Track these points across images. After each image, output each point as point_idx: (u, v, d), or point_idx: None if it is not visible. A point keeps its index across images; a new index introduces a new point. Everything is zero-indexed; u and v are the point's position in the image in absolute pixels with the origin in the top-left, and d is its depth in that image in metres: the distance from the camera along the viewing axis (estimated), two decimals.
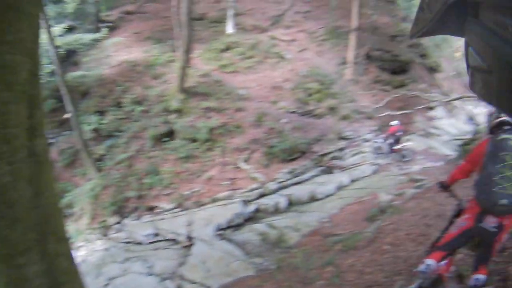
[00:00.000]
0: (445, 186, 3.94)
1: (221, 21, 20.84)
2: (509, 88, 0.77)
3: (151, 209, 11.51)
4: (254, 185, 11.99)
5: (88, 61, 16.73)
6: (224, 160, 12.77)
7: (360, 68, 18.36)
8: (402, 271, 6.11)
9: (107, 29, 19.20)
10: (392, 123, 14.96)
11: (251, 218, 10.70)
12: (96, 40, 18.09)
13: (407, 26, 23.37)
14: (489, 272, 3.50)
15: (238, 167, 12.66)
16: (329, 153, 13.70)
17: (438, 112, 19.33)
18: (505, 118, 3.39)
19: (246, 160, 12.84)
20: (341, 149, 14.25)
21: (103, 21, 20.23)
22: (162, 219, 10.81)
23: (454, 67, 22.82)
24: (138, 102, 14.36)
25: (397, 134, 14.47)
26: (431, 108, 19.16)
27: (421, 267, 3.42)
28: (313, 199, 11.50)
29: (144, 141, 13.30)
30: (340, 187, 12.18)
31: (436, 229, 6.67)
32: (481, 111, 20.03)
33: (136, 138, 13.48)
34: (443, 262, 3.51)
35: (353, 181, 12.71)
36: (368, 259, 6.65)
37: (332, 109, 15.98)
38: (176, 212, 11.17)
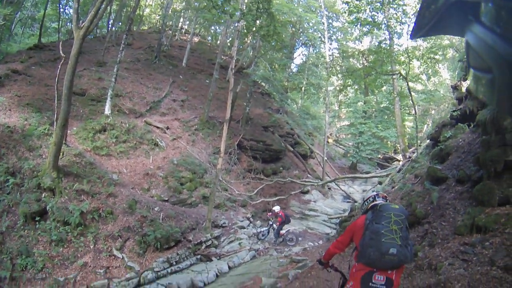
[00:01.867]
0: (323, 263, 4.27)
1: (100, 100, 20.27)
2: (510, 88, 0.77)
3: None
4: (130, 275, 11.35)
5: None
6: (97, 247, 11.96)
7: (233, 158, 19.27)
8: None
9: None
10: (275, 208, 15.58)
11: None
12: None
13: (280, 117, 25.79)
14: None
15: (112, 255, 11.91)
16: (205, 241, 13.63)
17: (313, 195, 21.00)
18: (376, 202, 3.89)
19: (119, 248, 12.11)
20: (216, 237, 14.28)
21: None
22: None
23: (326, 152, 25.14)
24: (12, 173, 12.86)
25: (282, 218, 15.05)
26: (306, 192, 20.75)
27: None
28: (193, 287, 11.20)
29: (16, 217, 11.96)
30: (220, 274, 12.09)
31: None
32: (355, 190, 22.23)
33: (8, 213, 12.01)
34: None
35: (232, 267, 12.69)
36: None
37: (205, 198, 16.24)
38: None
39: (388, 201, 3.96)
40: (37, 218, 12.06)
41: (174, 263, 12.37)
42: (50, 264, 11.18)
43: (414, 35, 1.15)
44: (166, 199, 15.65)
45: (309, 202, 20.17)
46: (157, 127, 19.80)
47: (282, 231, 15.17)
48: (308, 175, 23.02)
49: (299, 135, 25.80)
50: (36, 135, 14.97)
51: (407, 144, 23.07)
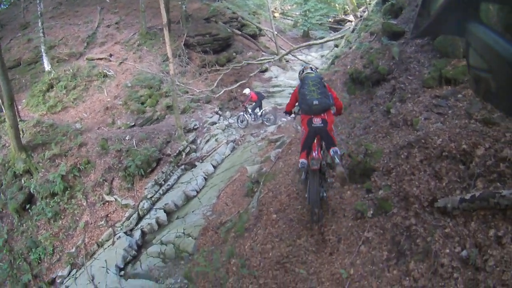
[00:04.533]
0: (287, 112, 6.41)
1: (37, 60, 19.66)
2: (510, 87, 0.78)
3: (52, 283, 11.11)
4: (128, 212, 11.98)
5: None
6: (90, 201, 12.56)
7: (183, 59, 18.99)
8: (301, 232, 6.32)
9: None
10: (245, 92, 15.81)
11: (142, 245, 10.69)
12: None
13: (219, 5, 24.54)
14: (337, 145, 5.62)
15: (106, 202, 12.55)
16: (183, 149, 14.03)
17: (273, 71, 20.84)
18: (306, 66, 6.02)
19: (109, 192, 12.73)
20: (192, 142, 14.73)
21: None
22: None
23: (275, 27, 24.35)
24: None
25: (257, 99, 15.28)
26: (265, 70, 20.63)
27: (299, 165, 5.43)
28: (188, 199, 11.68)
29: (10, 217, 12.63)
30: (208, 176, 12.46)
31: None
32: (313, 57, 22.01)
33: (2, 218, 12.74)
34: (315, 154, 5.49)
35: (216, 166, 13.03)
36: (264, 236, 6.78)
37: (169, 108, 16.36)
38: (75, 274, 10.76)
39: (313, 70, 5.85)
40: (27, 206, 12.60)
41: (163, 182, 12.89)
42: (58, 242, 11.88)
43: (413, 34, 1.17)
44: (133, 124, 15.86)
45: (271, 79, 19.98)
46: (100, 59, 19.25)
47: (259, 111, 15.43)
48: (263, 53, 22.43)
49: (243, 17, 24.46)
50: None
51: (355, 3, 21.82)
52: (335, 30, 27.91)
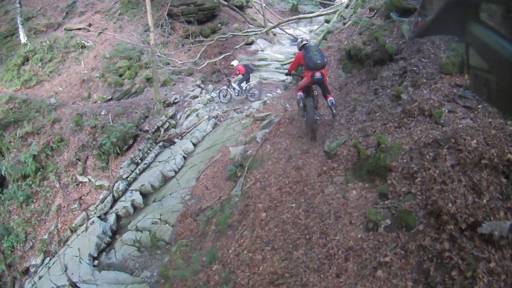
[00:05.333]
0: (288, 74, 8.34)
1: (14, 32, 18.65)
2: (510, 87, 0.78)
3: (26, 272, 10.80)
4: (103, 194, 11.45)
5: None
6: (63, 182, 12.04)
7: (166, 29, 18.01)
8: (298, 240, 5.31)
9: None
10: (233, 63, 14.86)
11: (117, 230, 10.19)
12: None
13: None
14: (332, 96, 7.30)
15: (79, 183, 11.99)
16: (162, 125, 13.31)
17: (259, 44, 19.74)
18: (303, 38, 7.65)
19: (82, 173, 12.13)
20: (172, 116, 13.97)
21: None
22: (40, 278, 9.83)
23: None
24: None
25: (245, 72, 14.30)
26: (251, 43, 19.47)
27: (298, 97, 7.40)
28: (165, 179, 11.05)
29: None
30: (187, 155, 11.77)
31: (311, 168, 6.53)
32: (302, 31, 20.97)
33: None
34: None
35: (196, 144, 12.30)
36: (251, 240, 5.92)
37: (148, 80, 15.50)
38: (48, 262, 10.36)
39: (308, 42, 7.57)
40: None
41: (139, 160, 12.25)
42: (31, 228, 11.49)
43: (412, 34, 1.88)
44: (110, 97, 15.10)
45: (257, 52, 18.76)
46: (79, 29, 18.25)
47: (246, 85, 14.49)
48: (249, 26, 21.19)
49: None
50: None
51: None
52: (325, 6, 26.57)
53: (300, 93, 7.40)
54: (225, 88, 14.93)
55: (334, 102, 7.19)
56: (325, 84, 7.32)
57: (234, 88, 14.67)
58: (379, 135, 5.77)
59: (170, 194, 10.03)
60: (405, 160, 5.06)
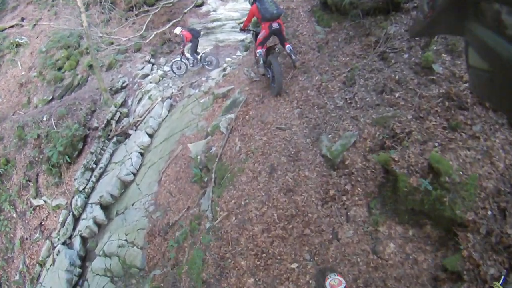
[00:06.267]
0: (242, 29, 7.87)
1: None
2: (510, 87, 0.77)
3: None
4: (62, 216, 10.20)
5: None
6: (19, 211, 10.99)
7: (105, 5, 15.87)
8: (289, 278, 3.98)
9: None
10: (176, 31, 12.67)
11: (86, 256, 9.13)
12: None
13: None
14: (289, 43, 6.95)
15: (35, 208, 10.87)
16: (112, 117, 11.55)
17: (211, 4, 17.20)
18: None
19: (36, 195, 10.94)
20: (123, 104, 12.13)
21: None
22: None
23: None
24: None
25: (192, 37, 12.32)
26: (201, 4, 16.99)
27: (258, 54, 7.29)
28: (125, 185, 9.60)
29: None
30: (145, 150, 10.21)
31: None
32: None
33: None
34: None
35: (153, 134, 10.63)
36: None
37: (91, 67, 13.57)
38: None
39: None
40: None
41: (94, 165, 10.69)
42: (1, 271, 10.65)
43: (412, 33, 1.11)
44: (51, 97, 13.50)
45: (209, 13, 16.13)
46: (12, 26, 16.54)
47: (200, 53, 12.50)
48: None
49: None
50: None
51: None
52: None
53: (259, 50, 7.27)
54: (178, 59, 12.79)
55: (292, 49, 7.05)
56: (282, 33, 7.13)
57: (188, 58, 12.68)
58: (434, 155, 3.45)
59: (133, 205, 8.72)
60: (489, 213, 2.86)
